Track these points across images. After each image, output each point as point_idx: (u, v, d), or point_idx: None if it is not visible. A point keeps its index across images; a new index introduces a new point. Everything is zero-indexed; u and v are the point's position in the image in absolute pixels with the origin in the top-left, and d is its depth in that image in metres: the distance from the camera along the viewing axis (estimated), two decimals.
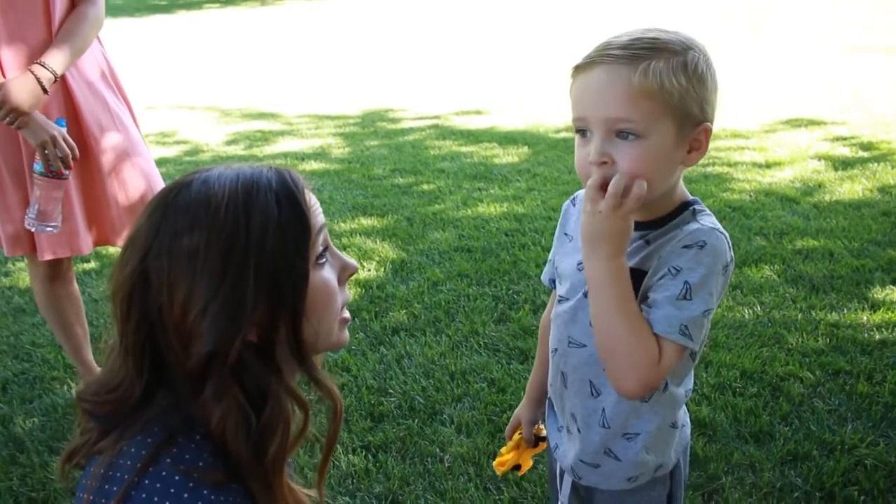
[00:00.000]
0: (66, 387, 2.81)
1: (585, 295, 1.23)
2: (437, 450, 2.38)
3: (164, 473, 0.90)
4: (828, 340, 2.90)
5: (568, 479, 1.38)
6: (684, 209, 1.21)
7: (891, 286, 3.28)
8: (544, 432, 1.54)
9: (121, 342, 0.97)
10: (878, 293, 3.24)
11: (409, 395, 2.66)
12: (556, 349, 1.35)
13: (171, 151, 6.19)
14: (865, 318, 3.05)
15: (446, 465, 2.31)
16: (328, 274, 1.02)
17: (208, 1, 20.90)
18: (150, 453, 0.91)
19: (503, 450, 1.60)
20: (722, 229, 1.20)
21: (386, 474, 2.28)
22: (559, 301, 1.35)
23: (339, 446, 2.40)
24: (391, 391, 2.69)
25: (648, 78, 1.09)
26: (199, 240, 0.92)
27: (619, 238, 1.14)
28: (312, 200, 1.00)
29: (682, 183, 1.23)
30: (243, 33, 14.19)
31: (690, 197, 1.24)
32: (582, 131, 1.17)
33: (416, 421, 2.52)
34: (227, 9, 18.99)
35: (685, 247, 1.15)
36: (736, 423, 2.44)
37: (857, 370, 2.69)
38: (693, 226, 1.18)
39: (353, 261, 1.07)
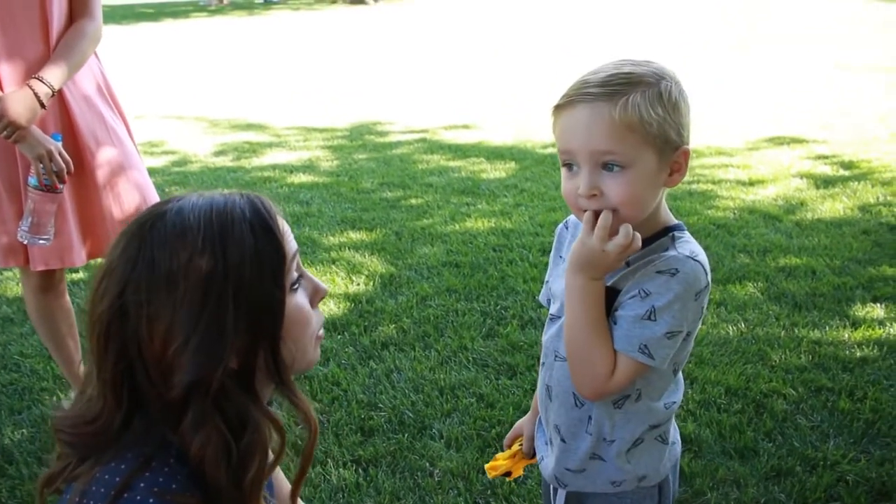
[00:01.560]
0: (55, 398, 2.81)
1: None
2: (427, 464, 2.40)
3: (138, 498, 0.91)
4: (810, 357, 2.95)
5: (562, 494, 1.42)
6: (665, 234, 1.27)
7: (871, 304, 3.35)
8: None
9: (98, 375, 0.98)
10: (859, 311, 3.30)
11: (398, 409, 2.68)
12: (543, 363, 1.42)
13: (159, 161, 6.18)
14: (847, 335, 3.11)
15: (436, 479, 2.34)
16: (301, 299, 1.06)
17: (196, 10, 20.89)
18: (124, 480, 0.92)
19: (499, 455, 1.64)
20: (699, 256, 1.25)
21: (376, 488, 2.30)
22: (550, 319, 1.41)
23: (329, 460, 2.42)
24: (381, 405, 2.71)
25: (628, 112, 1.16)
26: (177, 273, 0.94)
27: (609, 269, 1.24)
28: (285, 227, 1.04)
29: (665, 206, 1.30)
30: (231, 43, 14.19)
31: (673, 221, 1.30)
32: (568, 165, 1.24)
33: (406, 435, 2.54)
34: (215, 18, 18.99)
35: (658, 272, 1.22)
36: (721, 439, 2.48)
37: (839, 387, 2.74)
38: (670, 252, 1.24)
39: (323, 284, 1.12)
